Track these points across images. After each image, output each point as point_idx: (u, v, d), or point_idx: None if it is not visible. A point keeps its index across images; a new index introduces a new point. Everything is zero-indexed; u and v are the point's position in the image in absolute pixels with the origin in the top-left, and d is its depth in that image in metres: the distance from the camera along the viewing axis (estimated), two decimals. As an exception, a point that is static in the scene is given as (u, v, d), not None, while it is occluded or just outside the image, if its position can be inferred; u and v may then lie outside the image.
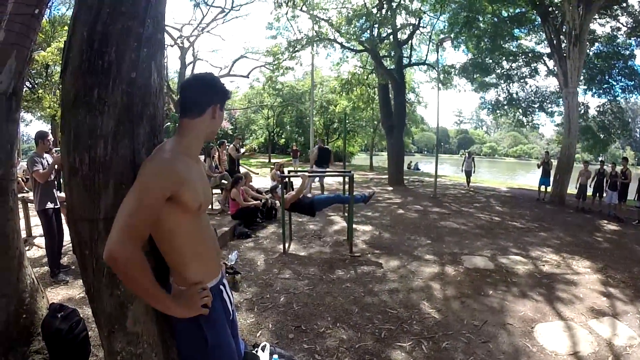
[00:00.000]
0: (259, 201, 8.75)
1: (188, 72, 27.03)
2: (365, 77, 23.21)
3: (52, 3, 25.37)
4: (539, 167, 14.50)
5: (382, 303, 4.51)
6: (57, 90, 21.86)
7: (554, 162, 14.76)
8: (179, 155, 1.60)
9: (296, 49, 17.93)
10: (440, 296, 4.81)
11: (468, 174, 17.38)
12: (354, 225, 8.21)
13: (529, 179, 34.01)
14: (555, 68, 15.59)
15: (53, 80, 22.48)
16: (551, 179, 14.31)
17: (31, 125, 33.84)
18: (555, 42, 14.49)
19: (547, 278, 5.62)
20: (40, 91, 22.50)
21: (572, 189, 14.10)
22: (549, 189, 14.34)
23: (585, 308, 4.62)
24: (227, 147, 11.01)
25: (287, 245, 6.66)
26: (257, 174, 21.69)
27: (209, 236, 1.81)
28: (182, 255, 1.66)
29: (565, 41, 13.88)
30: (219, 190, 9.61)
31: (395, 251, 6.64)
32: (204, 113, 1.67)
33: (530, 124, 21.39)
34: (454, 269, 5.84)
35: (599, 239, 8.60)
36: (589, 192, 12.86)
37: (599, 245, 7.99)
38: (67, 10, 24.03)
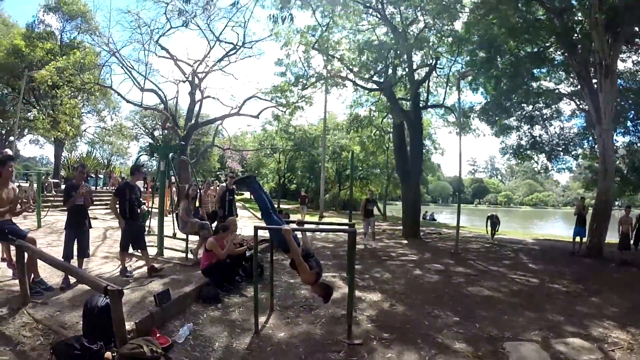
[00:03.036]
0: (243, 247, 6.98)
1: (196, 109, 26.14)
2: (380, 121, 21.96)
3: (64, 27, 25.59)
4: (575, 215, 12.77)
5: None
6: (52, 111, 21.28)
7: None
8: None
9: (305, 85, 16.80)
10: None
11: (494, 226, 15.36)
12: (359, 293, 6.41)
13: (550, 228, 33.43)
14: (585, 105, 14.40)
15: (48, 101, 21.89)
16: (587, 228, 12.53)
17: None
18: (583, 75, 13.05)
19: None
20: (34, 111, 21.90)
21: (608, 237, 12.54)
22: (584, 239, 12.51)
23: None
24: (215, 185, 9.33)
25: (263, 320, 4.88)
26: (261, 219, 20.01)
27: None
28: None
29: (594, 74, 12.57)
30: (196, 237, 7.91)
31: (411, 335, 4.78)
32: None
33: (555, 169, 19.97)
34: (499, 369, 3.98)
35: (660, 302, 6.83)
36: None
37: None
38: (78, 34, 24.10)
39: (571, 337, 4.90)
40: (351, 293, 4.51)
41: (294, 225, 4.89)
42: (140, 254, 6.79)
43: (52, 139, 24.33)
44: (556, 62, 15.59)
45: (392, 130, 19.14)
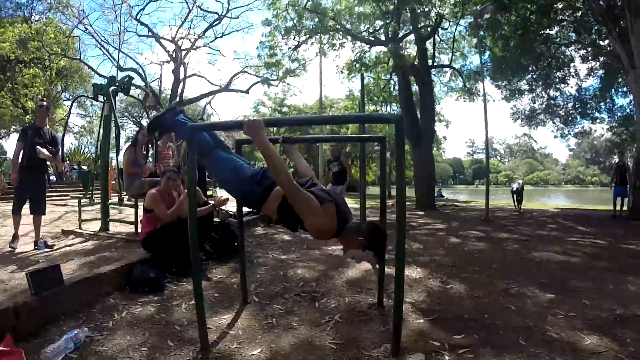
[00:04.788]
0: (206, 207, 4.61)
1: (180, 88, 24.08)
2: (383, 87, 19.59)
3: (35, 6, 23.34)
4: (612, 180, 11.20)
5: None
6: (15, 87, 19.23)
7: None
8: None
9: (298, 43, 14.66)
10: None
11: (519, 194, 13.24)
12: (388, 270, 3.79)
13: (556, 202, 33.26)
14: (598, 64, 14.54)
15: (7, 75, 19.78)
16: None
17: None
18: (608, 17, 11.19)
19: None
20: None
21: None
22: (626, 201, 10.95)
23: None
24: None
25: (227, 319, 2.69)
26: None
27: None
28: None
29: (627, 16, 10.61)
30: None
31: (502, 333, 2.59)
32: None
33: (572, 133, 19.17)
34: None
35: None
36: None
37: None
38: (49, 11, 21.97)
39: None
40: (401, 259, 2.18)
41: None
42: (32, 221, 4.87)
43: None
44: (565, 22, 14.02)
45: (396, 98, 17.03)
